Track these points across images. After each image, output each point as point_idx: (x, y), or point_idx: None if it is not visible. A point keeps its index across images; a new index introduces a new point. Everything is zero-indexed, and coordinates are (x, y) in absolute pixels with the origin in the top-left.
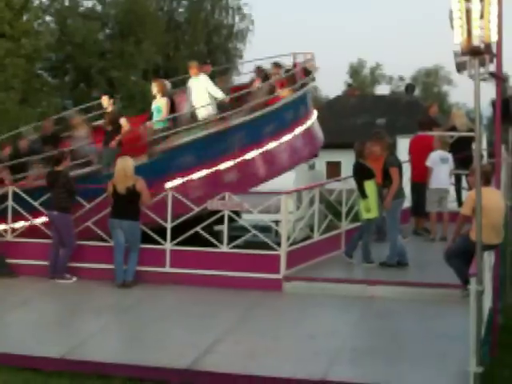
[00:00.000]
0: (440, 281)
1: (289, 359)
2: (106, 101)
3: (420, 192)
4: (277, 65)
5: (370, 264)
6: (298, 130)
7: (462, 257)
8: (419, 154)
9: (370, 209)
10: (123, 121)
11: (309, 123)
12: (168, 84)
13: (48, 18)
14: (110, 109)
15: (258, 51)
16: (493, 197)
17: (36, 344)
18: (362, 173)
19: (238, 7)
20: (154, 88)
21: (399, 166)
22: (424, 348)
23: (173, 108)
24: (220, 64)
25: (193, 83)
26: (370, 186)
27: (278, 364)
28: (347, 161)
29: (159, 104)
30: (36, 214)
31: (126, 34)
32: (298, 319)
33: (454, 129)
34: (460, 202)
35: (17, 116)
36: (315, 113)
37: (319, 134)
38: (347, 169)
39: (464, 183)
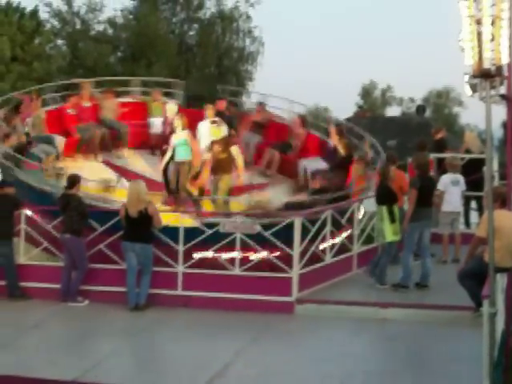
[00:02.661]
0: (452, 303)
1: (300, 382)
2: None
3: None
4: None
5: (383, 286)
6: None
7: (476, 278)
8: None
9: (397, 232)
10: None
11: None
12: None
13: (59, 42)
14: None
15: (268, 74)
16: (507, 219)
17: (48, 367)
18: (389, 196)
19: (249, 30)
20: (178, 122)
21: (423, 187)
22: (437, 371)
23: None
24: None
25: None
26: (396, 210)
27: None
28: None
29: (184, 137)
30: None
31: (137, 57)
32: (310, 342)
33: (467, 151)
34: (468, 224)
35: None
36: None
37: None
38: None
39: (473, 205)
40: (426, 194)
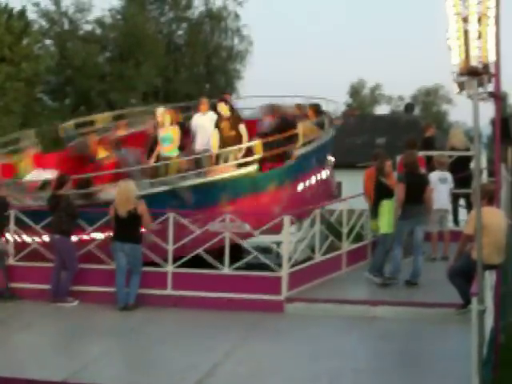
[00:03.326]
0: (442, 300)
1: (290, 380)
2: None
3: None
4: (299, 106)
5: (373, 277)
6: (319, 177)
7: (465, 276)
8: None
9: (391, 225)
10: None
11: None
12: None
13: (48, 42)
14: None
15: (257, 72)
16: (495, 216)
17: (38, 368)
18: (381, 191)
19: (237, 29)
20: (166, 117)
21: (411, 184)
22: (426, 368)
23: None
24: (219, 85)
25: (202, 120)
26: (387, 205)
27: None
28: (348, 181)
29: (170, 132)
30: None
31: (125, 56)
32: (300, 340)
33: (453, 149)
34: (456, 221)
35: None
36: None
37: (333, 182)
38: (348, 188)
39: (461, 202)
40: (416, 191)
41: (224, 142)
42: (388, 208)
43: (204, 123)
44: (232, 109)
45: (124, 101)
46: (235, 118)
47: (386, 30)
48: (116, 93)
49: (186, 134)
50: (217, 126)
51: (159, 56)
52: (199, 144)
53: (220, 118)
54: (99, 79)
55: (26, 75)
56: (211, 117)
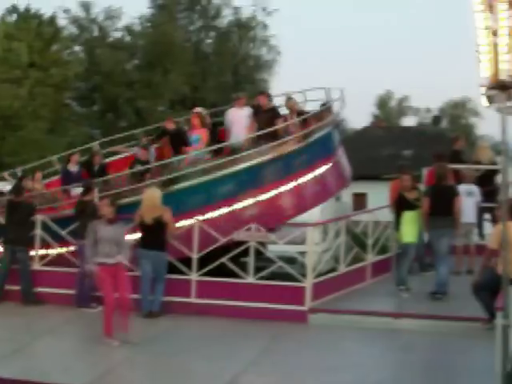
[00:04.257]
0: (466, 314)
1: None
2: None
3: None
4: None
5: (400, 292)
6: (326, 167)
7: (489, 290)
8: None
9: (413, 234)
10: None
11: (336, 160)
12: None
13: (77, 48)
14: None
15: (284, 82)
16: None
17: (61, 373)
18: (401, 204)
19: (266, 39)
20: (195, 120)
21: (437, 196)
22: (449, 382)
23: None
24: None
25: (238, 114)
26: (408, 215)
27: None
28: (373, 192)
29: (199, 134)
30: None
31: (153, 64)
32: (323, 351)
33: (478, 163)
34: (482, 235)
35: (45, 145)
36: (342, 149)
37: (347, 169)
38: (373, 200)
39: (487, 216)
40: (443, 203)
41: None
42: (410, 218)
43: (240, 117)
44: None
45: (151, 108)
46: (274, 112)
47: (414, 42)
48: (143, 100)
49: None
50: (254, 118)
51: (187, 64)
52: (234, 137)
53: (258, 111)
54: (127, 86)
55: (55, 81)
56: (247, 112)
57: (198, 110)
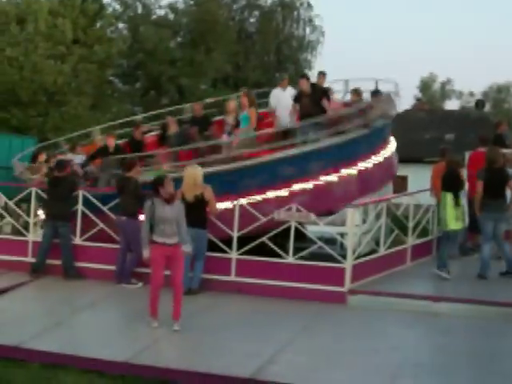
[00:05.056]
0: (506, 299)
1: (351, 373)
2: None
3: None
4: (357, 91)
5: (441, 273)
6: (378, 158)
7: None
8: (476, 169)
9: (459, 219)
10: None
11: (387, 151)
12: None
13: (121, 25)
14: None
15: (328, 63)
16: None
17: (101, 347)
18: (457, 182)
19: (310, 19)
20: (244, 99)
21: (489, 179)
22: (488, 367)
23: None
24: (289, 75)
25: (282, 95)
26: (449, 197)
27: (340, 377)
28: (414, 175)
29: (247, 113)
30: None
31: (196, 42)
32: (361, 333)
33: None
34: None
35: (87, 121)
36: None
37: (395, 163)
38: (414, 183)
39: None
40: (494, 187)
41: (305, 118)
42: (451, 201)
43: (284, 98)
44: (314, 85)
45: (194, 86)
46: (318, 93)
47: (459, 24)
48: (186, 78)
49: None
50: (297, 101)
51: (230, 43)
52: (280, 119)
53: (301, 94)
54: (170, 64)
55: (99, 58)
56: (290, 92)
57: (245, 90)
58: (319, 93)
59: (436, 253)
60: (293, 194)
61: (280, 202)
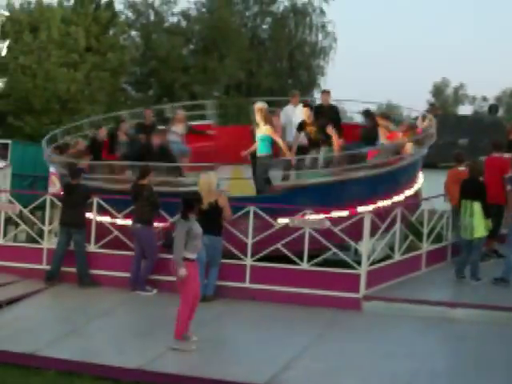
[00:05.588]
0: None
1: (366, 379)
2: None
3: (492, 213)
4: (385, 116)
5: (478, 281)
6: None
7: None
8: (492, 175)
9: (488, 227)
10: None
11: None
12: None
13: (133, 33)
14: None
15: (340, 69)
16: None
17: (116, 354)
18: (483, 191)
19: (322, 25)
20: (257, 115)
21: None
22: (505, 373)
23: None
24: (302, 81)
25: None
26: (478, 207)
27: (355, 383)
28: (429, 180)
29: (264, 132)
30: None
31: (209, 49)
32: (377, 339)
33: None
34: None
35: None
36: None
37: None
38: (428, 188)
39: None
40: None
41: (314, 143)
42: (479, 209)
43: (295, 116)
44: (330, 108)
45: (207, 93)
46: (321, 123)
47: (472, 29)
48: (199, 85)
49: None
50: (302, 128)
51: (243, 49)
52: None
53: (304, 122)
54: (183, 71)
55: (112, 65)
56: (301, 109)
57: (259, 105)
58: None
59: (451, 259)
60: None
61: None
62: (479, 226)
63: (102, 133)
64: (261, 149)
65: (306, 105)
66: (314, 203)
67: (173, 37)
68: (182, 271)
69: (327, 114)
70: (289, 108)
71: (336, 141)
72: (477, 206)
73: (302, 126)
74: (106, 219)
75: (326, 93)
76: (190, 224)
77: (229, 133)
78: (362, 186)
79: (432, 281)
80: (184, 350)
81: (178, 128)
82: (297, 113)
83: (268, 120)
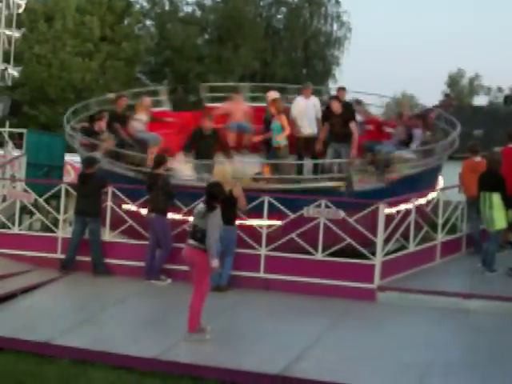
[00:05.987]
0: None
1: (380, 370)
2: None
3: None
4: (358, 102)
5: (493, 273)
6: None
7: None
8: (508, 165)
9: (508, 219)
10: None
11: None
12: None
13: (148, 23)
14: None
15: (355, 59)
16: None
17: (130, 343)
18: (502, 183)
19: (337, 15)
20: (272, 108)
21: None
22: None
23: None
24: (317, 71)
25: (305, 104)
26: (497, 199)
27: (368, 374)
28: (444, 171)
29: (278, 122)
30: None
31: (224, 39)
32: (391, 330)
33: None
34: None
35: None
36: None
37: None
38: (443, 179)
39: None
40: None
41: (336, 136)
42: (499, 201)
43: (307, 108)
44: (346, 106)
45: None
46: (348, 115)
47: (488, 20)
48: (213, 75)
49: None
50: (327, 119)
51: (257, 39)
52: (306, 128)
53: (332, 113)
54: (197, 61)
55: (126, 55)
56: (314, 102)
57: (272, 95)
58: (349, 114)
59: (466, 250)
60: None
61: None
62: (499, 219)
63: (123, 102)
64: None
65: (335, 97)
66: (412, 191)
67: (187, 26)
68: (215, 263)
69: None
70: (299, 100)
71: (356, 138)
72: (496, 198)
73: (326, 117)
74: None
75: (342, 90)
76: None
77: (186, 119)
78: (431, 176)
79: (446, 272)
80: (199, 340)
81: (142, 116)
82: (309, 104)
83: (281, 109)
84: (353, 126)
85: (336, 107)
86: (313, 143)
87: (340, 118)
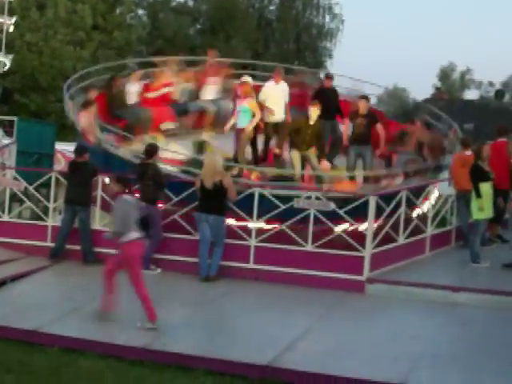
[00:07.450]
0: None
1: (368, 361)
2: None
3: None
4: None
5: (477, 264)
6: None
7: None
8: (497, 160)
9: (482, 208)
10: None
11: None
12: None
13: (140, 12)
14: None
15: (347, 51)
16: None
17: (120, 333)
18: (478, 174)
19: (329, 7)
20: (239, 88)
21: None
22: (508, 357)
23: None
24: (309, 63)
25: (274, 89)
26: (484, 188)
27: (357, 366)
28: None
29: (246, 105)
30: None
31: (216, 29)
32: (380, 322)
33: None
34: None
35: None
36: None
37: None
38: None
39: None
40: None
41: (359, 136)
42: (485, 191)
43: (276, 93)
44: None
45: None
46: (372, 117)
47: (479, 12)
48: None
49: None
50: (352, 118)
51: (250, 30)
52: (276, 113)
53: (356, 113)
54: (189, 51)
55: (118, 44)
56: (283, 87)
57: (245, 78)
58: (375, 116)
59: (455, 243)
60: None
61: None
62: (474, 208)
63: (119, 82)
64: (241, 120)
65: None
66: None
67: (180, 16)
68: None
69: (331, 97)
70: (269, 85)
71: (383, 139)
72: (485, 188)
73: (353, 116)
74: None
75: (329, 78)
76: None
77: None
78: None
79: (436, 264)
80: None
81: (135, 87)
82: (278, 89)
83: (249, 94)
84: (379, 127)
85: (363, 107)
86: (282, 128)
87: (365, 118)
